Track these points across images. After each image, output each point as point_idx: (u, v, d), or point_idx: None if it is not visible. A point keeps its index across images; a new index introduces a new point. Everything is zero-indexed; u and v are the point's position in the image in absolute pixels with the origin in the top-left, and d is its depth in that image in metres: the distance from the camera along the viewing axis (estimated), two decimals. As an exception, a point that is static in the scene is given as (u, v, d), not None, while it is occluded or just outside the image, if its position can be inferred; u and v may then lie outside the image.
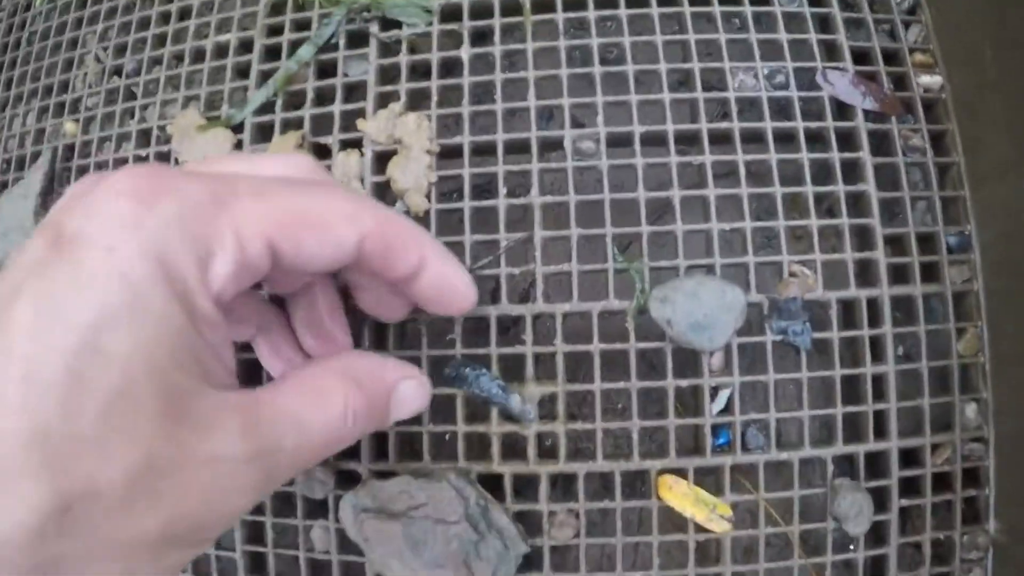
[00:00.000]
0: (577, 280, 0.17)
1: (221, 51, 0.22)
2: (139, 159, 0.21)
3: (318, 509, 0.18)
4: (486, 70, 0.19)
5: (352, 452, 0.17)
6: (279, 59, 0.20)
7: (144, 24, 0.23)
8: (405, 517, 0.16)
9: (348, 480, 0.17)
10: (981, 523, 0.18)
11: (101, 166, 0.22)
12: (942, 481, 0.18)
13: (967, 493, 0.18)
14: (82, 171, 0.23)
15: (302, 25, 0.21)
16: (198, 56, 0.22)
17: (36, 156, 0.24)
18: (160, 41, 0.23)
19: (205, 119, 0.20)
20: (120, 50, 0.23)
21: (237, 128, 0.20)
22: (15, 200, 0.23)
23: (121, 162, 0.22)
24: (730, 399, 0.17)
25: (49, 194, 0.22)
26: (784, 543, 0.17)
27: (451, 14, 0.20)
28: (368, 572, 0.18)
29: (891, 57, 0.20)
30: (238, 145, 0.20)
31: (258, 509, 0.18)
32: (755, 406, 0.17)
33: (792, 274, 0.18)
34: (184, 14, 0.23)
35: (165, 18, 0.23)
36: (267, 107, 0.20)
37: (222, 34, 0.22)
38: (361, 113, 0.19)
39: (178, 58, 0.22)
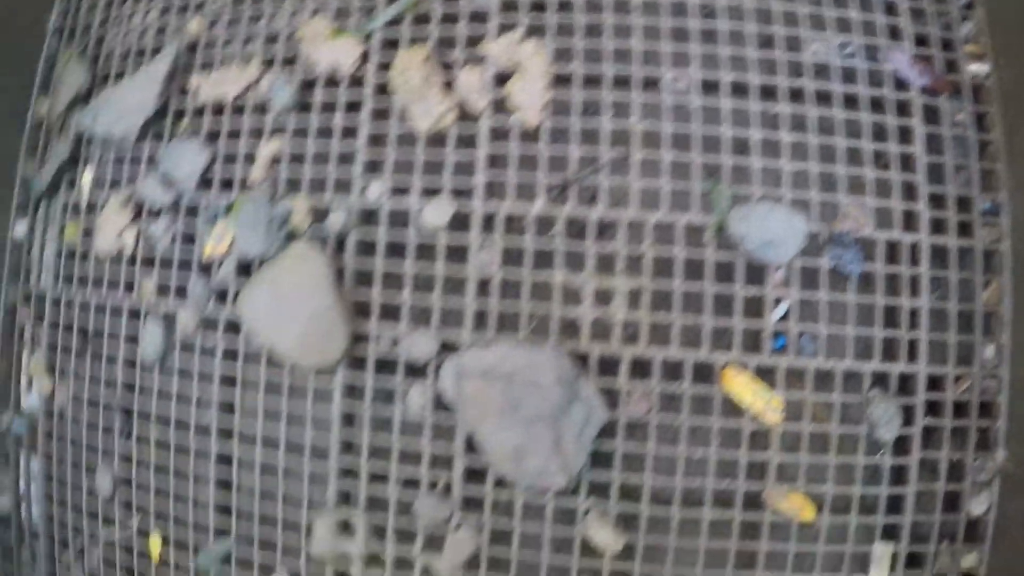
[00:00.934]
0: (668, 195, 0.21)
1: None
2: (266, 63, 0.25)
3: (419, 372, 0.21)
4: (596, 12, 0.23)
5: (456, 321, 0.21)
6: None
7: None
8: (505, 380, 0.19)
9: (450, 349, 0.21)
10: (991, 451, 0.22)
11: (225, 61, 0.25)
12: (960, 409, 0.22)
13: (981, 423, 0.22)
14: (206, 66, 0.26)
15: None
16: None
17: (156, 51, 0.27)
18: None
19: (335, 28, 0.24)
20: None
21: (365, 37, 0.24)
22: (138, 86, 0.26)
23: (245, 60, 0.25)
24: (788, 310, 0.21)
25: (172, 82, 0.26)
26: (823, 442, 0.21)
27: None
28: (459, 432, 0.21)
29: (946, 44, 0.24)
30: (364, 56, 0.23)
31: (358, 365, 0.21)
32: (808, 319, 0.21)
33: (847, 213, 0.21)
34: None
35: None
36: (394, 21, 0.24)
37: None
38: (483, 38, 0.23)
39: None
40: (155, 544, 0.26)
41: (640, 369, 0.20)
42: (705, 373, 0.21)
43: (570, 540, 0.22)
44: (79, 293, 0.28)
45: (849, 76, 0.24)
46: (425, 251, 0.22)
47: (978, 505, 0.24)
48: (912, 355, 0.23)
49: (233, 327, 0.24)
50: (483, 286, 0.21)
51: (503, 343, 0.20)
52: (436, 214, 0.23)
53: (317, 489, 0.23)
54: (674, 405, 0.21)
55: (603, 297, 0.22)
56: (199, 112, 0.26)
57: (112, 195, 0.27)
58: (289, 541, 0.24)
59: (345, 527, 0.23)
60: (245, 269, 0.25)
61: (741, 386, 0.21)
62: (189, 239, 0.26)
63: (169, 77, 0.26)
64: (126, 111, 0.26)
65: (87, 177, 0.28)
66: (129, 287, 0.27)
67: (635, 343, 0.21)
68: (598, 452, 0.21)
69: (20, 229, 0.29)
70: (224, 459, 0.25)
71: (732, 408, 0.21)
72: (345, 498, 0.23)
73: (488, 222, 0.22)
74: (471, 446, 0.21)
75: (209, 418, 0.25)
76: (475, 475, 0.21)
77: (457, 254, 0.22)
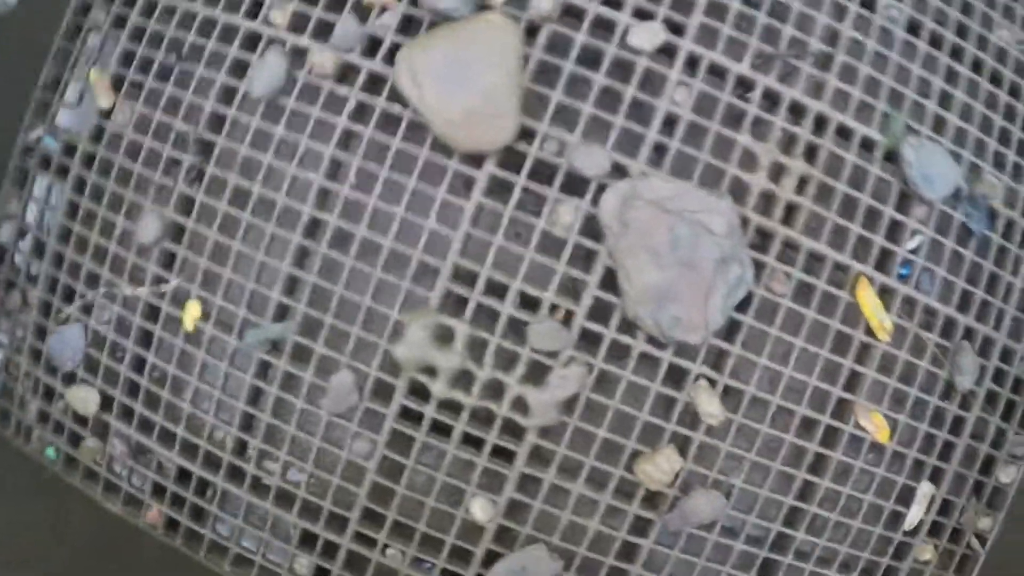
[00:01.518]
0: (856, 102, 0.21)
1: None
2: None
3: (578, 187, 0.20)
4: None
5: (633, 148, 0.20)
6: None
7: None
8: (676, 216, 0.19)
9: (620, 173, 0.20)
10: None
11: None
12: (1019, 383, 0.25)
13: None
14: None
15: None
16: None
17: None
18: None
19: None
20: None
21: None
22: None
23: None
24: (923, 245, 0.23)
25: None
26: (913, 373, 0.23)
27: None
28: (600, 262, 0.21)
29: None
30: None
31: (514, 162, 0.19)
32: (934, 259, 0.23)
33: (988, 179, 0.24)
34: None
35: None
36: None
37: None
38: None
39: None
40: (191, 312, 0.22)
41: (789, 251, 0.22)
42: (840, 275, 0.22)
43: (674, 401, 0.22)
44: (183, 3, 0.24)
45: (1020, 69, 0.27)
46: (621, 69, 0.22)
47: (1006, 475, 0.27)
48: (998, 324, 0.26)
49: (374, 82, 0.22)
50: (670, 122, 0.21)
51: (681, 182, 0.20)
52: (644, 37, 0.22)
53: (422, 286, 0.21)
54: (806, 296, 0.22)
55: (775, 171, 0.23)
56: None
57: None
58: (365, 337, 0.21)
59: (444, 335, 0.21)
60: (409, 25, 0.23)
61: (866, 298, 0.23)
62: None
63: None
64: None
65: None
66: (254, 10, 0.24)
67: (792, 225, 0.22)
68: (731, 320, 0.21)
69: None
70: (314, 226, 0.22)
71: (853, 315, 0.23)
72: (451, 302, 0.21)
73: (691, 64, 0.22)
74: (610, 280, 0.21)
75: (311, 176, 0.21)
76: (602, 312, 0.21)
77: (653, 83, 0.22)
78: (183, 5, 0.23)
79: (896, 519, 0.24)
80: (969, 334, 0.24)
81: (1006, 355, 0.25)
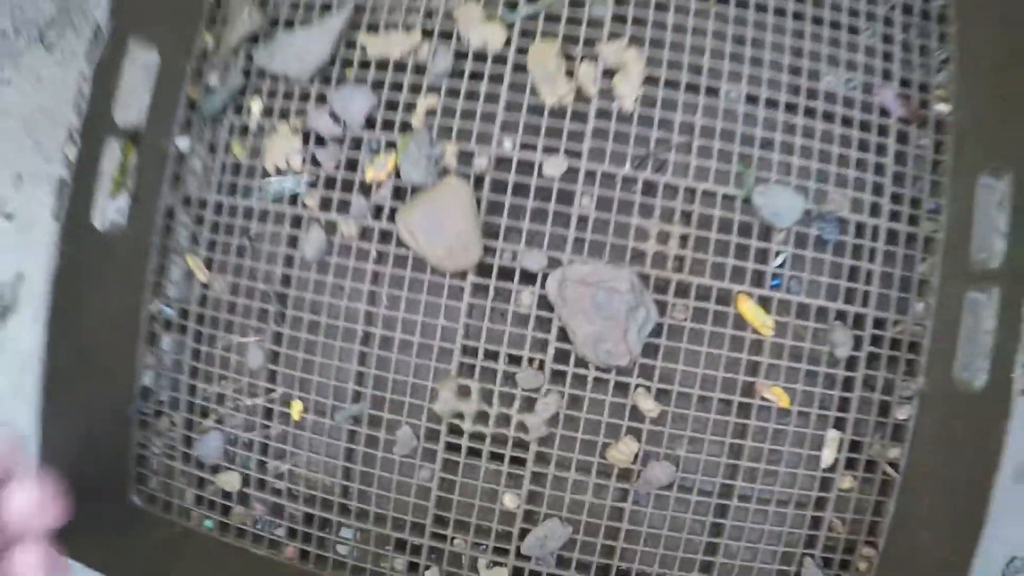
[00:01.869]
0: (714, 172, 0.43)
1: None
2: (426, 33, 0.45)
3: (530, 279, 0.43)
4: (681, 33, 0.44)
5: (560, 245, 0.42)
6: None
7: None
8: (595, 286, 0.41)
9: (555, 263, 0.42)
10: (915, 376, 0.45)
11: (389, 26, 0.46)
12: (895, 344, 0.45)
13: (909, 356, 0.45)
14: (372, 27, 0.46)
15: None
16: None
17: (326, 9, 0.47)
18: None
19: (486, 13, 0.44)
20: None
21: (509, 25, 0.44)
22: (315, 35, 0.46)
23: (407, 28, 0.46)
24: (784, 260, 0.43)
25: (342, 37, 0.46)
26: (799, 353, 0.44)
27: None
28: (554, 325, 0.42)
29: (923, 87, 0.47)
30: (508, 41, 0.44)
31: (485, 271, 0.43)
32: (797, 268, 0.44)
33: (831, 198, 0.44)
34: None
35: None
36: (531, 17, 0.44)
37: None
38: (598, 41, 0.44)
39: None
40: (296, 408, 0.46)
41: (682, 289, 0.42)
42: (724, 296, 0.43)
43: (623, 405, 0.44)
44: (243, 201, 0.47)
45: (848, 103, 0.46)
46: (542, 192, 0.43)
47: (902, 414, 0.47)
48: (865, 301, 0.45)
49: (384, 236, 0.45)
50: (582, 221, 0.43)
51: (594, 262, 0.41)
52: (553, 167, 0.43)
53: (443, 363, 0.44)
54: (702, 317, 0.43)
55: (662, 237, 0.43)
56: (365, 64, 0.46)
57: (281, 123, 0.46)
58: (414, 403, 0.45)
59: (463, 391, 0.44)
60: (399, 193, 0.45)
61: (747, 308, 0.43)
62: (351, 165, 0.45)
63: (341, 33, 0.46)
64: (302, 55, 0.46)
65: (256, 105, 0.47)
66: (294, 199, 0.47)
67: (681, 271, 0.42)
68: (649, 344, 0.42)
69: (183, 143, 0.48)
70: (367, 337, 0.44)
71: (740, 323, 0.43)
72: (464, 369, 0.44)
73: (590, 177, 0.43)
74: (563, 335, 0.43)
75: (357, 305, 0.44)
76: (562, 356, 0.42)
77: (566, 197, 0.43)
78: (244, 204, 0.46)
79: (815, 461, 0.45)
80: (842, 315, 0.44)
81: (879, 324, 0.45)
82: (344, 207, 0.45)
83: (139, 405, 0.49)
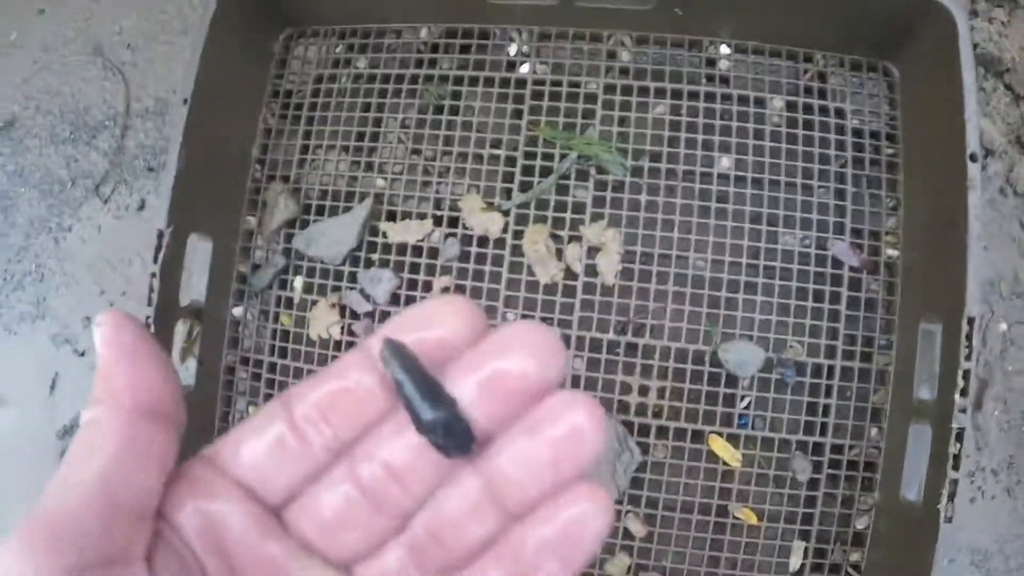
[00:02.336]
0: (685, 331, 0.57)
1: (494, 159, 0.61)
2: (436, 220, 0.60)
3: None
4: (653, 212, 0.59)
5: None
6: (533, 173, 0.60)
7: (436, 124, 0.62)
8: None
9: None
10: (871, 491, 0.59)
11: (406, 215, 0.61)
12: (852, 465, 0.59)
13: (865, 475, 0.59)
14: (391, 216, 0.62)
15: (547, 156, 0.60)
16: (477, 159, 0.61)
17: (351, 195, 0.63)
18: (448, 141, 0.62)
19: (484, 203, 0.59)
20: (417, 139, 0.62)
21: (505, 213, 0.59)
22: (343, 225, 0.62)
23: (420, 217, 0.61)
24: (749, 402, 0.57)
25: (367, 225, 0.62)
26: (764, 479, 0.58)
27: (636, 171, 0.59)
28: None
29: (873, 235, 0.60)
30: (505, 227, 0.59)
31: None
32: (760, 408, 0.58)
33: (790, 346, 0.58)
34: (466, 126, 0.62)
35: (450, 125, 0.62)
36: (523, 205, 0.59)
37: (495, 148, 0.61)
38: (582, 222, 0.59)
39: (463, 156, 0.61)
40: None
41: (662, 432, 0.57)
42: (698, 436, 0.58)
43: (617, 528, 0.59)
44: (293, 363, 0.64)
45: (804, 258, 0.59)
46: None
47: (861, 523, 0.61)
48: (823, 431, 0.59)
49: None
50: (575, 380, 0.58)
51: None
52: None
53: None
54: (680, 454, 0.58)
55: (643, 390, 0.58)
56: (387, 249, 0.61)
57: (321, 299, 0.62)
58: None
59: None
60: None
61: (719, 445, 0.58)
62: None
63: (366, 221, 0.62)
64: (334, 242, 0.62)
65: (298, 282, 0.63)
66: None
67: (660, 418, 0.57)
68: (636, 478, 0.58)
69: (237, 311, 0.65)
70: None
71: (712, 457, 0.58)
72: None
73: (580, 342, 0.58)
74: None
75: None
76: None
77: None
78: (296, 365, 0.63)
79: (784, 567, 0.60)
80: (802, 445, 0.59)
81: (837, 448, 0.59)
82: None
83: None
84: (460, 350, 0.18)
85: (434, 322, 0.18)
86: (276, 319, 0.62)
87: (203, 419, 0.63)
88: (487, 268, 0.57)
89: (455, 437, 0.18)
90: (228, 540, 0.19)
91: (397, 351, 0.18)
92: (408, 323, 0.19)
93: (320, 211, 0.61)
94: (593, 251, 0.57)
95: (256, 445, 0.19)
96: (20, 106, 0.82)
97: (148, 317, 0.56)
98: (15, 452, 0.76)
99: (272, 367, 0.62)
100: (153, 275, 0.56)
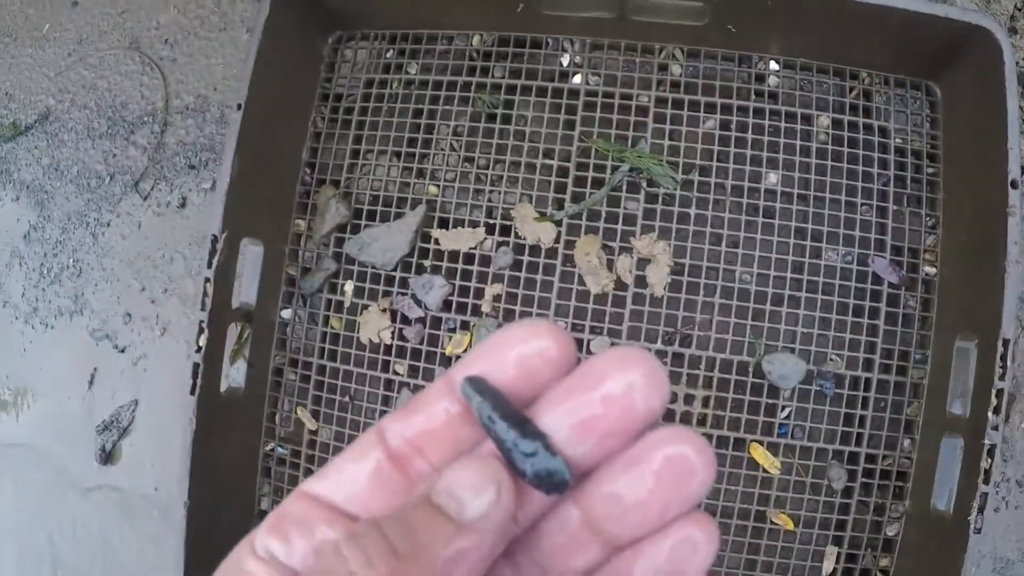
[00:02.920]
0: (730, 343, 0.59)
1: (546, 169, 0.62)
2: (488, 228, 0.62)
3: None
4: (702, 226, 0.60)
5: None
6: (585, 184, 0.61)
7: (488, 133, 0.63)
8: None
9: None
10: (902, 500, 0.62)
11: (458, 223, 0.62)
12: (885, 474, 0.62)
13: (897, 484, 0.62)
14: (443, 223, 0.63)
15: (598, 167, 0.62)
16: (530, 168, 0.62)
17: (402, 201, 0.64)
18: (500, 149, 0.63)
19: (537, 213, 0.61)
20: (469, 146, 0.63)
21: (557, 223, 0.61)
22: (395, 231, 0.63)
23: (472, 224, 0.62)
24: (790, 413, 0.60)
25: (419, 232, 0.63)
26: (802, 486, 0.61)
27: (686, 184, 0.61)
28: None
29: (912, 252, 0.62)
30: (558, 236, 0.60)
31: None
32: (800, 418, 0.60)
33: (830, 359, 0.60)
34: (518, 135, 0.63)
35: (503, 133, 0.63)
36: (575, 215, 0.61)
37: (548, 158, 0.62)
38: (633, 233, 0.60)
39: (516, 164, 0.63)
40: None
41: (706, 439, 0.60)
42: (740, 444, 0.60)
43: None
44: (342, 366, 0.65)
45: (846, 274, 0.61)
46: None
47: (891, 530, 0.64)
48: (858, 442, 0.62)
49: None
50: None
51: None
52: (598, 345, 0.60)
53: None
54: (722, 461, 0.60)
55: (688, 399, 0.60)
56: (439, 255, 0.63)
57: (371, 303, 0.63)
58: None
59: None
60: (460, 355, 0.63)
61: (759, 453, 0.60)
62: (433, 340, 0.63)
63: (418, 228, 0.63)
64: (386, 248, 0.63)
65: (349, 286, 0.64)
66: (385, 366, 0.64)
67: (704, 425, 0.59)
68: None
69: (286, 313, 0.66)
70: None
71: (753, 464, 0.60)
72: None
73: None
74: None
75: None
76: None
77: None
78: (345, 368, 0.64)
79: (817, 571, 0.62)
80: (838, 454, 0.61)
81: (871, 458, 0.61)
82: (429, 374, 0.63)
83: (256, 523, 0.67)
84: (549, 377, 0.18)
85: (520, 347, 0.18)
86: (325, 322, 0.63)
87: (252, 419, 0.65)
88: (538, 277, 0.58)
89: (546, 479, 0.17)
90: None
91: (481, 388, 0.17)
92: (492, 349, 0.18)
93: (371, 216, 0.62)
94: (643, 262, 0.58)
95: (356, 474, 0.19)
96: (55, 99, 0.82)
97: (202, 322, 0.57)
98: (48, 448, 0.77)
99: (321, 369, 0.64)
100: (207, 280, 0.57)
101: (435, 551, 0.16)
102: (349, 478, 0.19)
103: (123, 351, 0.75)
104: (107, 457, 0.75)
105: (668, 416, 0.60)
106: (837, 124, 0.61)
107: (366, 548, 0.16)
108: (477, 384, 0.17)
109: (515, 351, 0.18)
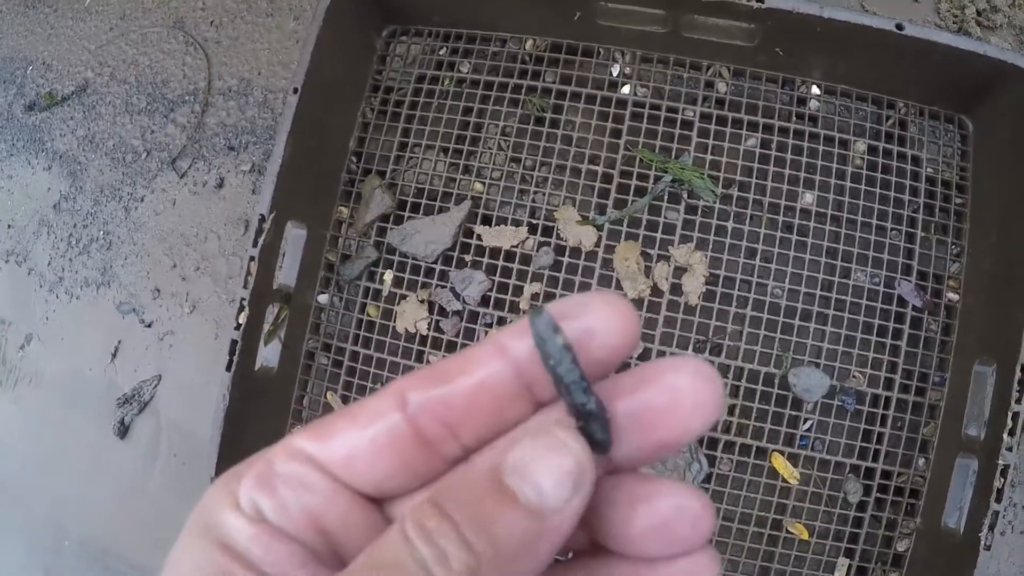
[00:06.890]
0: (758, 354, 0.63)
1: (590, 174, 0.65)
2: (531, 228, 0.65)
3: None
4: (739, 239, 0.64)
5: None
6: (627, 192, 0.64)
7: (536, 135, 0.67)
8: None
9: None
10: (913, 516, 0.66)
11: (501, 220, 0.65)
12: (899, 491, 0.65)
13: (910, 501, 0.65)
14: (486, 220, 0.66)
15: (641, 176, 0.65)
16: (575, 172, 0.65)
17: (447, 195, 0.67)
18: (547, 152, 0.66)
19: (580, 216, 0.64)
20: (517, 147, 0.66)
21: (599, 227, 0.64)
22: (439, 224, 0.66)
23: (515, 223, 0.65)
24: (812, 425, 0.63)
25: (462, 226, 0.66)
26: (819, 498, 0.64)
27: (725, 198, 0.64)
28: None
29: (937, 278, 0.66)
30: (598, 241, 0.64)
31: None
32: (820, 432, 0.64)
33: (853, 376, 0.64)
34: (565, 140, 0.66)
35: (550, 137, 0.66)
36: (617, 221, 0.64)
37: (593, 164, 0.65)
38: (671, 242, 0.63)
39: (561, 168, 0.66)
40: None
41: (729, 447, 0.63)
42: (762, 453, 0.63)
43: None
44: (376, 353, 0.68)
45: (872, 295, 0.65)
46: (622, 369, 0.63)
47: (901, 545, 0.68)
48: (875, 458, 0.65)
49: None
50: None
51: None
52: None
53: None
54: (743, 468, 0.63)
55: None
56: (481, 251, 0.66)
57: (410, 294, 0.66)
58: None
59: None
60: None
61: (780, 463, 0.63)
62: (469, 334, 0.66)
63: (462, 223, 0.65)
64: (429, 241, 0.66)
65: (388, 276, 0.67)
66: (419, 356, 0.67)
67: (728, 433, 0.63)
68: (701, 487, 0.63)
69: (323, 298, 0.69)
70: None
71: (773, 473, 0.64)
72: None
73: (660, 356, 0.63)
74: None
75: None
76: None
77: None
78: (379, 356, 0.67)
79: None
80: (855, 468, 0.65)
81: (886, 475, 0.65)
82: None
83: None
84: (612, 349, 0.17)
85: (588, 312, 0.17)
86: (361, 309, 0.66)
87: (282, 401, 0.67)
88: (577, 279, 0.62)
89: (603, 432, 0.17)
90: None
91: (552, 324, 0.16)
92: (559, 310, 0.17)
93: (415, 208, 0.65)
94: (679, 271, 0.62)
95: (362, 442, 0.17)
96: (94, 72, 0.84)
97: (243, 299, 0.60)
98: (67, 418, 0.79)
99: (354, 356, 0.66)
100: (252, 259, 0.60)
101: (511, 548, 0.15)
102: (352, 444, 0.17)
103: (150, 326, 0.77)
104: (125, 431, 0.77)
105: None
106: (872, 150, 0.65)
107: (437, 541, 0.15)
108: (549, 320, 0.16)
109: (584, 311, 0.17)
